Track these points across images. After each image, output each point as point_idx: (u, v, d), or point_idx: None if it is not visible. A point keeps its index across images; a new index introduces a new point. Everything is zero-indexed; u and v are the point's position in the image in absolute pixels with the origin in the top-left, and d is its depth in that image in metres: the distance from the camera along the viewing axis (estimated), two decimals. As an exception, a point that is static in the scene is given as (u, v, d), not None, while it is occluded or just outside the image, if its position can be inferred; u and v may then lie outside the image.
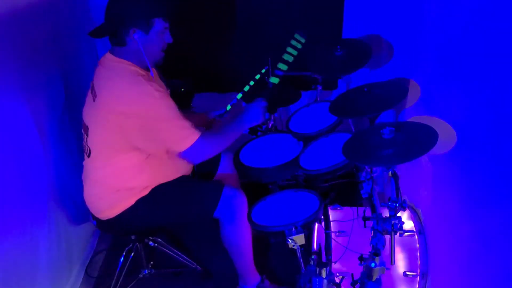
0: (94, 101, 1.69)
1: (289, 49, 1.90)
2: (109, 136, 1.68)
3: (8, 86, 1.58)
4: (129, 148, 1.69)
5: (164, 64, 1.92)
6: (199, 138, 1.67)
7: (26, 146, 1.69)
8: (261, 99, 1.87)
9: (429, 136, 1.34)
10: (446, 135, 1.52)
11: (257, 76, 1.97)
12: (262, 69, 1.97)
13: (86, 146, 1.78)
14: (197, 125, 1.76)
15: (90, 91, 1.73)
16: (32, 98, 1.74)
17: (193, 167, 1.98)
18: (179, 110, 1.68)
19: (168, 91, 1.91)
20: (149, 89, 1.61)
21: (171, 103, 1.66)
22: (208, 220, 1.87)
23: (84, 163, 1.82)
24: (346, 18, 2.27)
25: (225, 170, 2.12)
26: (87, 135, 1.75)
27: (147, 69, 1.71)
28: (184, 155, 1.69)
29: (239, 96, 1.96)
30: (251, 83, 1.96)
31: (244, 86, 1.95)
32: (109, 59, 1.69)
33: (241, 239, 1.91)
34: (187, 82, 2.44)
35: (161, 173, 1.80)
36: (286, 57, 1.89)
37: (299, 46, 1.91)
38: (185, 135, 1.66)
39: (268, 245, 2.30)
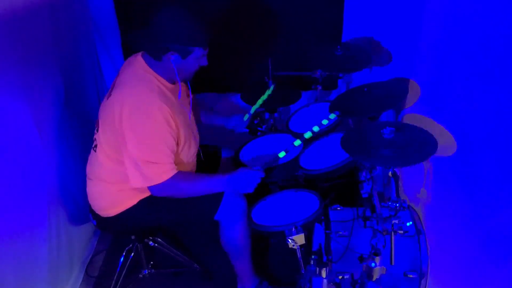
0: (107, 98, 1.70)
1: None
2: (110, 137, 1.69)
3: (8, 86, 1.58)
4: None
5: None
6: (170, 178, 1.65)
7: (26, 146, 1.69)
8: (259, 169, 1.75)
9: (429, 143, 1.34)
10: (447, 139, 1.52)
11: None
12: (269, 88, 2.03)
13: (94, 140, 1.79)
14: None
15: (111, 87, 1.74)
16: (32, 98, 1.74)
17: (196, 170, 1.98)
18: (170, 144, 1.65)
19: (190, 97, 1.90)
20: (156, 111, 1.59)
21: (166, 134, 1.62)
22: (209, 222, 1.87)
23: (90, 156, 1.83)
24: (346, 19, 2.27)
25: (226, 170, 2.13)
26: (97, 130, 1.76)
27: (173, 83, 1.72)
28: (150, 189, 1.69)
29: (253, 109, 2.03)
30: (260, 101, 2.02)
31: (255, 103, 2.01)
32: (138, 63, 1.68)
33: (240, 243, 1.91)
34: (186, 82, 2.44)
35: None
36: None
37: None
38: (157, 171, 1.64)
39: (268, 245, 2.30)
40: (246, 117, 2.04)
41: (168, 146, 1.65)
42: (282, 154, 1.75)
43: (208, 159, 2.09)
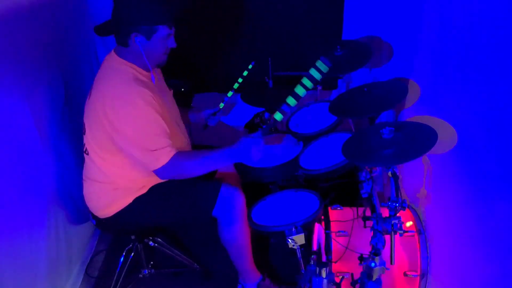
0: (89, 98, 1.69)
1: (305, 81, 1.59)
2: (99, 135, 1.68)
3: (8, 86, 1.58)
4: (117, 149, 1.68)
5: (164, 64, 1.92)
6: (170, 160, 1.62)
7: (26, 146, 1.70)
8: (259, 135, 1.67)
9: (429, 136, 1.34)
10: (446, 134, 1.52)
11: (245, 73, 1.97)
12: (249, 65, 1.97)
13: (84, 143, 1.78)
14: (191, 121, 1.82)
15: (91, 87, 1.73)
16: (32, 98, 1.74)
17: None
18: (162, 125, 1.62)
19: (171, 91, 1.91)
20: (137, 98, 1.57)
21: (153, 117, 1.61)
22: (206, 219, 1.87)
23: (85, 160, 1.83)
24: (346, 19, 2.27)
25: (226, 169, 2.12)
26: (85, 133, 1.75)
27: (148, 70, 1.71)
28: (155, 172, 1.66)
29: (230, 94, 1.96)
30: (240, 80, 1.96)
31: (234, 84, 1.95)
32: (112, 58, 1.69)
33: (240, 238, 1.90)
34: (187, 82, 2.45)
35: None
36: (298, 90, 1.62)
37: (318, 76, 1.56)
38: (155, 157, 1.61)
39: (268, 245, 2.30)
40: (221, 105, 2.01)
41: (159, 127, 1.62)
42: (279, 116, 1.67)
43: None
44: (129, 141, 1.62)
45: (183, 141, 1.85)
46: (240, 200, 1.85)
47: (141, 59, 1.65)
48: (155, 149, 1.62)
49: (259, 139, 1.65)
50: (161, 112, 1.65)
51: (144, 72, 1.69)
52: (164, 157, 1.63)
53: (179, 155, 1.65)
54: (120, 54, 1.67)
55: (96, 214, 1.83)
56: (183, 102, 2.37)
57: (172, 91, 1.92)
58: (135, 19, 1.59)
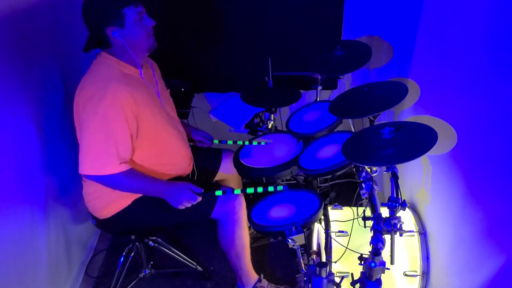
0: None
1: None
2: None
3: (7, 85, 1.58)
4: None
5: (164, 64, 1.93)
6: (119, 173, 1.59)
7: (25, 146, 1.69)
8: (192, 187, 1.70)
9: (429, 136, 1.34)
10: (446, 135, 1.52)
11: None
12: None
13: None
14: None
15: None
16: (31, 97, 1.74)
17: (193, 167, 1.98)
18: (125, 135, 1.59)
19: (168, 90, 1.91)
20: (110, 96, 1.53)
21: (119, 127, 1.56)
22: (206, 222, 1.87)
23: None
24: (346, 19, 2.27)
25: (227, 170, 2.12)
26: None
27: (136, 66, 1.68)
28: (93, 178, 1.62)
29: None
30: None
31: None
32: (101, 55, 1.68)
33: (239, 242, 1.91)
34: (187, 82, 2.45)
35: (155, 174, 1.77)
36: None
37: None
38: (105, 162, 1.57)
39: (268, 245, 2.31)
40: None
41: (118, 139, 1.58)
42: (219, 193, 1.72)
43: (209, 160, 2.09)
44: (84, 136, 1.57)
45: (178, 140, 1.85)
46: (240, 203, 1.85)
47: (127, 53, 1.62)
48: (105, 155, 1.57)
49: (194, 196, 1.69)
50: (133, 120, 1.61)
51: (133, 69, 1.68)
52: (111, 169, 1.59)
53: (126, 174, 1.61)
54: (109, 52, 1.66)
55: (95, 215, 1.82)
56: (183, 102, 2.38)
57: (169, 90, 1.91)
58: (98, 14, 1.56)
